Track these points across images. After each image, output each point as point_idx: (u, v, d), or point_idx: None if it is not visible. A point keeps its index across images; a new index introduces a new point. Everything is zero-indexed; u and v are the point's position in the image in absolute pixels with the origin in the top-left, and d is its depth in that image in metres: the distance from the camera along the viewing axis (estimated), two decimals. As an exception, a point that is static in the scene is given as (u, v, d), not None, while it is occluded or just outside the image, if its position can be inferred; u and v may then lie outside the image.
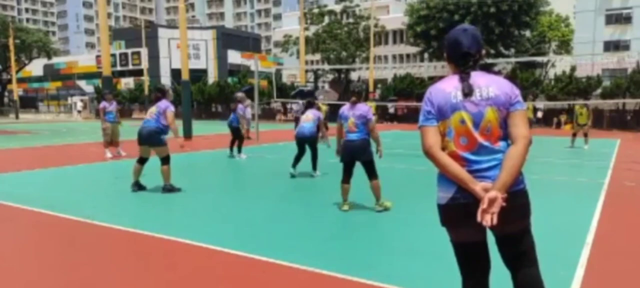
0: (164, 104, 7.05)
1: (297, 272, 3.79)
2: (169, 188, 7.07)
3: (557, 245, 4.33)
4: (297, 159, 8.61)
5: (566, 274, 3.66)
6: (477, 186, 2.04)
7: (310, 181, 8.15)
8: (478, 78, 2.15)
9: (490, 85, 2.13)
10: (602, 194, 6.97)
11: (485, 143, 2.12)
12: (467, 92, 2.12)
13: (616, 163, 10.73)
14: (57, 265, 4.06)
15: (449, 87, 2.17)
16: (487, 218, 1.97)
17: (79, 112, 42.39)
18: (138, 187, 7.23)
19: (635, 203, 6.71)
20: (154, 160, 7.26)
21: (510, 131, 2.11)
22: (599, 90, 27.70)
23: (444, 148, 2.16)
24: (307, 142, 8.57)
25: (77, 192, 7.43)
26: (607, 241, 4.66)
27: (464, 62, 2.17)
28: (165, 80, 49.67)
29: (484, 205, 1.97)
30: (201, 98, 40.05)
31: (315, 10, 42.78)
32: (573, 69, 29.36)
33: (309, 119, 8.56)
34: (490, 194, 1.97)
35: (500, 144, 2.13)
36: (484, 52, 2.26)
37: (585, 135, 14.29)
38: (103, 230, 5.08)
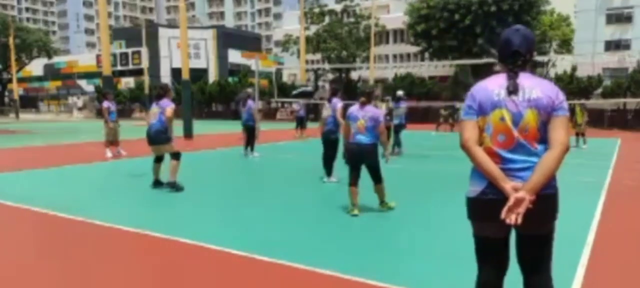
0: (165, 102, 7.21)
1: (297, 271, 3.78)
2: (172, 185, 7.11)
3: (557, 245, 4.30)
4: (325, 162, 7.95)
5: (566, 274, 3.66)
6: (508, 184, 2.08)
7: (311, 181, 8.12)
8: (524, 79, 2.18)
9: (534, 88, 2.16)
10: (602, 194, 6.96)
11: (523, 141, 2.14)
12: (512, 90, 2.15)
13: (617, 163, 10.71)
14: (57, 264, 4.05)
15: (492, 85, 2.22)
16: (512, 217, 2.01)
17: (80, 109, 42.39)
18: (158, 184, 7.36)
19: (636, 203, 6.70)
20: (148, 161, 7.29)
21: (550, 135, 2.13)
22: (599, 90, 27.68)
23: (480, 144, 2.20)
24: (326, 141, 7.94)
25: (77, 192, 7.43)
26: (608, 241, 4.65)
27: (513, 61, 2.21)
28: (166, 79, 49.66)
29: (510, 203, 2.02)
30: (202, 97, 40.06)
31: (316, 10, 42.71)
32: (574, 68, 29.33)
33: (329, 113, 7.87)
34: (518, 194, 2.02)
35: (538, 147, 2.15)
36: (535, 53, 2.30)
37: (582, 134, 14.26)
38: (103, 230, 5.07)
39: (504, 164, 2.15)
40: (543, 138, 2.16)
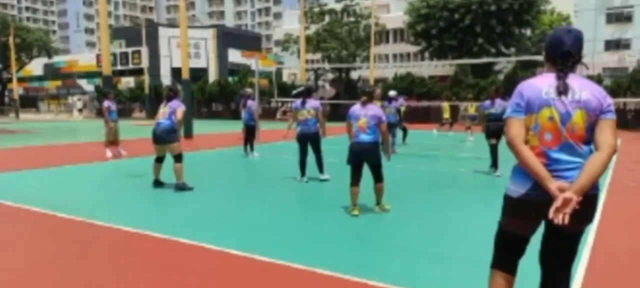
0: (175, 103, 7.33)
1: (297, 272, 3.78)
2: (181, 186, 7.19)
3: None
4: (302, 163, 8.09)
5: (567, 275, 3.66)
6: (553, 185, 2.08)
7: (311, 181, 8.11)
8: (573, 80, 2.19)
9: (583, 89, 2.16)
10: (603, 194, 6.95)
11: (571, 142, 2.15)
12: (562, 90, 2.15)
13: (617, 163, 10.70)
14: (57, 265, 4.05)
15: (541, 84, 2.22)
16: (559, 217, 2.02)
17: (80, 110, 42.40)
18: (158, 183, 7.47)
19: (636, 203, 6.70)
20: (148, 161, 7.35)
21: (597, 138, 2.14)
22: (599, 89, 27.67)
23: (526, 142, 2.20)
24: (309, 141, 8.00)
25: (77, 192, 7.43)
26: (608, 241, 4.65)
27: (563, 61, 2.21)
28: (166, 79, 49.64)
29: (557, 204, 2.02)
30: (202, 97, 40.05)
31: (316, 9, 42.66)
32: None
33: (311, 114, 7.93)
34: (566, 195, 2.02)
35: (584, 148, 2.17)
36: (583, 55, 2.29)
37: None
38: (103, 230, 5.07)
39: (550, 164, 2.15)
40: (589, 139, 2.17)
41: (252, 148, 11.83)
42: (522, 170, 2.21)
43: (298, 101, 8.21)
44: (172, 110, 7.28)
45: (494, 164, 8.65)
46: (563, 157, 2.15)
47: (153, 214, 5.99)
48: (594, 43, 38.38)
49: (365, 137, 5.56)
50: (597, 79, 28.21)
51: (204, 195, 7.06)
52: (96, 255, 4.29)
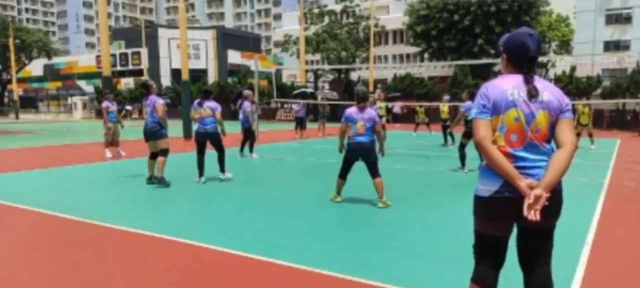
0: (152, 99, 7.59)
1: (296, 271, 3.79)
2: (159, 179, 7.52)
3: (557, 245, 4.30)
4: (200, 164, 8.15)
5: (566, 274, 3.67)
6: (523, 182, 2.14)
7: (310, 181, 8.12)
8: (536, 82, 2.25)
9: (545, 90, 2.25)
10: (602, 194, 6.97)
11: (535, 141, 2.22)
12: (534, 94, 2.22)
13: (616, 163, 10.73)
14: (57, 265, 4.05)
15: (506, 85, 2.26)
16: (532, 214, 2.08)
17: (86, 111, 42.73)
18: (151, 180, 7.79)
19: (635, 203, 6.70)
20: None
21: (559, 136, 2.22)
22: (599, 90, 27.69)
23: (493, 142, 2.25)
24: (210, 140, 8.19)
25: (77, 192, 7.43)
26: (607, 241, 4.66)
27: (529, 66, 2.27)
28: (165, 80, 49.65)
29: (529, 200, 2.08)
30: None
31: (315, 10, 42.70)
32: (573, 69, 29.36)
33: (207, 113, 8.05)
34: (536, 191, 2.08)
35: (547, 146, 2.25)
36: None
37: (590, 135, 14.25)
38: (103, 230, 5.08)
39: (516, 163, 2.21)
40: (550, 138, 2.25)
41: (250, 150, 11.80)
42: (491, 170, 2.26)
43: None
44: (152, 107, 7.53)
45: (462, 161, 9.07)
46: (528, 156, 2.22)
47: (153, 214, 5.99)
48: (593, 44, 38.42)
49: (362, 139, 6.02)
50: (596, 80, 28.31)
51: (203, 196, 7.07)
52: (96, 255, 4.29)
